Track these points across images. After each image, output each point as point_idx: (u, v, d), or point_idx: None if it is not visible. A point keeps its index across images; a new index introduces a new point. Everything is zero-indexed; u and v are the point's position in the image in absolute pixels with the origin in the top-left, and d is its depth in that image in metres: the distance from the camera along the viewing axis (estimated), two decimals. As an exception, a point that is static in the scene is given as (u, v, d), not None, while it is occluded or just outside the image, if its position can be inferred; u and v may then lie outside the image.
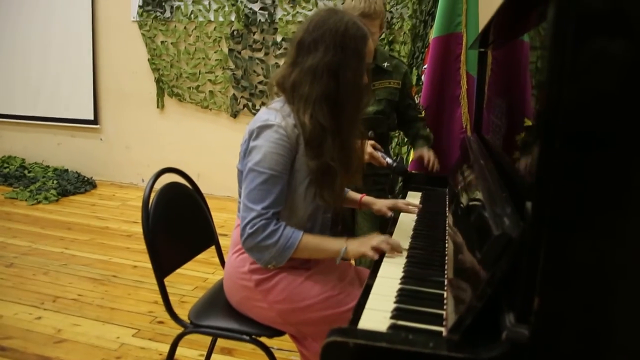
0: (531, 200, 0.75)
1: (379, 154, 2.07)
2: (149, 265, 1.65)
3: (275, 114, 1.48)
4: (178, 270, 1.81)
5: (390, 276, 1.22)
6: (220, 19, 4.77)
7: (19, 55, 5.55)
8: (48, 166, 5.65)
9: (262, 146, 1.45)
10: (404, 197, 2.13)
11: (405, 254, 1.39)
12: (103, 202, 4.85)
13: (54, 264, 3.37)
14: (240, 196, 1.54)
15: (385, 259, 1.36)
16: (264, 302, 1.55)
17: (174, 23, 4.94)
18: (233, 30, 4.75)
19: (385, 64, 2.25)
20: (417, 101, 2.36)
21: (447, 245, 1.36)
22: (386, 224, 1.81)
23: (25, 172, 5.50)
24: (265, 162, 1.44)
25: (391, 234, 1.61)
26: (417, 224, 1.66)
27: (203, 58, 4.90)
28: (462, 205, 1.31)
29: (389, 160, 2.06)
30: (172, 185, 1.82)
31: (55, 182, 5.14)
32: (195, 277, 3.18)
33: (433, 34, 2.63)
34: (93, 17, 5.21)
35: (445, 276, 1.17)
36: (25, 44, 5.51)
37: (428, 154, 2.25)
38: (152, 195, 1.72)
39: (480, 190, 1.09)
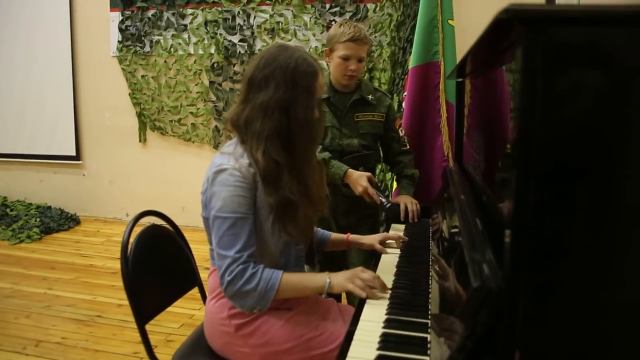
0: (508, 244, 0.74)
1: (373, 191, 2.06)
2: (134, 305, 1.62)
3: (228, 157, 1.47)
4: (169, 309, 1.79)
5: (373, 319, 1.20)
6: (200, 51, 4.78)
7: (1, 93, 5.51)
8: (31, 203, 5.58)
9: (220, 192, 1.44)
10: (387, 229, 2.11)
11: (388, 293, 1.37)
12: (87, 238, 4.79)
13: (37, 305, 3.30)
14: (210, 244, 1.52)
15: (368, 300, 1.34)
16: (245, 347, 1.52)
17: (154, 57, 4.95)
18: (213, 63, 4.76)
19: (370, 97, 2.24)
20: (401, 134, 2.34)
21: (430, 283, 1.34)
22: (379, 257, 1.79)
23: (7, 210, 5.42)
24: (227, 206, 1.42)
25: (374, 270, 1.59)
26: (400, 260, 1.65)
27: (184, 91, 4.90)
28: (443, 244, 1.30)
29: (382, 199, 2.05)
30: (151, 228, 1.79)
31: (38, 219, 5.07)
32: (182, 314, 3.12)
33: (411, 63, 2.66)
34: (73, 53, 5.20)
35: (429, 319, 1.16)
36: (6, 81, 5.48)
37: (410, 206, 2.17)
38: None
39: (460, 230, 1.08)
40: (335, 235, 1.88)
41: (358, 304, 1.33)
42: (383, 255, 1.71)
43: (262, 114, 1.45)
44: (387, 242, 1.88)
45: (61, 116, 5.33)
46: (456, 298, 0.89)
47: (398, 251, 1.80)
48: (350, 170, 2.14)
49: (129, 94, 5.09)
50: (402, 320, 1.17)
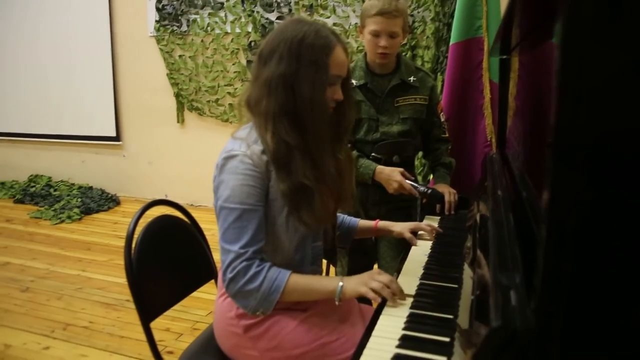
0: (541, 268, 0.56)
1: (408, 184, 1.89)
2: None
3: (240, 142, 1.33)
4: (192, 294, 1.70)
5: (387, 335, 1.04)
6: (237, 30, 4.65)
7: (42, 74, 5.56)
8: (73, 184, 5.64)
9: (229, 180, 1.30)
10: (420, 221, 1.94)
11: (409, 302, 1.20)
12: (125, 219, 4.78)
13: (69, 288, 3.29)
14: None
15: (385, 309, 1.17)
16: (254, 350, 1.39)
17: (190, 36, 4.85)
18: (250, 42, 4.63)
19: (411, 79, 2.04)
20: (442, 119, 2.13)
21: (461, 292, 1.17)
22: (408, 251, 1.62)
23: (51, 190, 5.50)
24: (235, 196, 1.29)
25: (399, 270, 1.42)
26: (429, 260, 1.47)
27: (221, 71, 4.80)
28: (476, 248, 1.12)
29: (421, 188, 1.87)
30: (161, 219, 1.67)
31: (79, 200, 5.11)
32: (210, 300, 3.04)
33: (452, 39, 2.44)
34: (111, 34, 5.17)
35: (454, 337, 0.98)
36: (48, 64, 5.52)
37: (448, 196, 1.97)
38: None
39: (491, 239, 0.90)
40: (363, 222, 1.73)
41: (374, 313, 1.17)
42: (411, 254, 1.54)
43: (267, 90, 1.30)
44: (420, 232, 1.73)
45: (101, 97, 5.33)
46: (481, 328, 0.72)
47: (429, 244, 1.63)
48: (380, 167, 1.96)
49: (167, 74, 5.02)
50: (421, 339, 1.01)
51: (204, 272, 1.78)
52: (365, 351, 0.98)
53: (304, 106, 1.29)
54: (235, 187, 1.29)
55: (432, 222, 1.87)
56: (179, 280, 1.68)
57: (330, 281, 1.30)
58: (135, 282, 1.49)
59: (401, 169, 1.94)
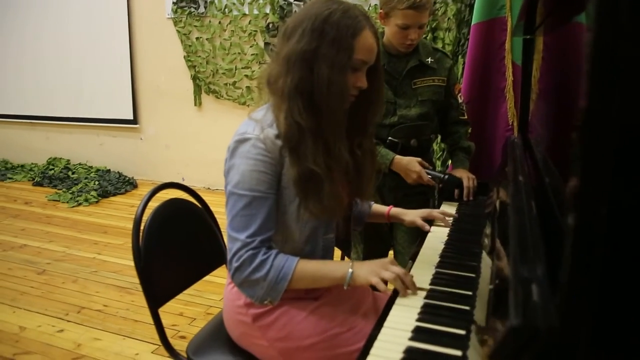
0: (568, 258, 0.50)
1: (427, 176, 1.83)
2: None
3: (254, 125, 1.26)
4: (206, 278, 1.66)
5: (399, 327, 0.98)
6: (255, 11, 4.59)
7: (61, 57, 5.57)
8: (91, 167, 5.66)
9: (239, 165, 1.24)
10: (437, 207, 1.87)
11: (423, 292, 1.15)
12: (157, 204, 4.78)
13: (85, 271, 3.29)
14: None
15: (398, 300, 1.12)
16: (263, 340, 1.34)
17: (208, 18, 4.80)
18: (268, 23, 4.56)
19: (429, 60, 1.96)
20: (460, 100, 2.06)
21: (478, 283, 1.11)
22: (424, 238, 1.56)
23: (69, 173, 5.52)
24: (245, 182, 1.23)
25: (414, 258, 1.37)
26: (446, 247, 1.41)
27: (239, 53, 4.74)
28: (495, 236, 1.05)
29: (438, 175, 1.81)
30: (171, 202, 1.63)
31: (96, 183, 5.13)
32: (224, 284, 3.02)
33: (473, 19, 2.35)
34: (129, 16, 5.14)
35: (470, 330, 0.93)
36: (65, 46, 5.52)
37: (466, 181, 1.90)
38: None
39: (511, 228, 0.83)
40: (377, 207, 1.67)
41: (386, 304, 1.11)
42: (427, 241, 1.48)
43: (285, 67, 1.23)
44: (435, 217, 1.66)
45: (119, 79, 5.32)
46: (498, 323, 0.66)
47: (446, 231, 1.57)
48: (398, 157, 1.90)
49: (184, 57, 4.98)
50: (435, 331, 0.95)
51: (214, 257, 1.74)
52: (376, 343, 0.93)
53: (320, 87, 1.22)
54: (246, 172, 1.23)
55: (450, 208, 1.81)
56: (189, 266, 1.64)
57: (340, 267, 1.25)
58: (143, 267, 1.46)
59: (419, 159, 1.87)
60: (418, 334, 0.94)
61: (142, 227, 1.51)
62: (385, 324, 0.99)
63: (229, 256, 1.25)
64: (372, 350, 0.90)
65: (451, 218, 1.68)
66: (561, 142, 1.23)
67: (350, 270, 1.22)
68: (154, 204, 1.58)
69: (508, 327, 0.54)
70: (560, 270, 0.52)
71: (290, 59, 1.22)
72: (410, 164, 1.87)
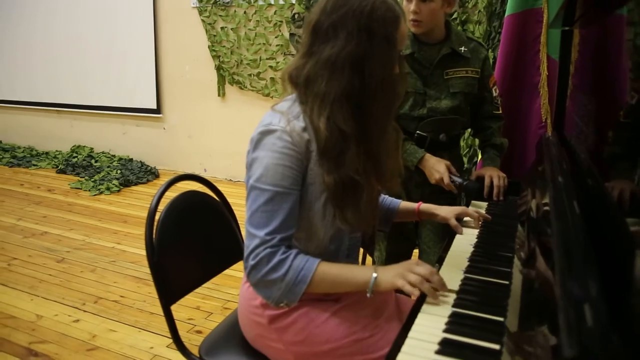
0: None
1: (449, 180, 1.74)
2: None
3: (279, 116, 1.19)
4: (225, 272, 1.61)
5: (424, 338, 0.90)
6: (281, 1, 4.51)
7: (86, 46, 5.57)
8: (114, 155, 5.67)
9: (263, 157, 1.17)
10: (467, 206, 1.78)
11: (451, 299, 1.06)
12: (175, 194, 4.76)
13: (104, 260, 3.28)
14: None
15: (424, 307, 1.04)
16: (279, 343, 1.28)
17: (233, 8, 4.74)
18: (294, 14, 4.48)
19: (462, 49, 1.86)
20: (495, 93, 1.95)
21: (511, 288, 1.02)
22: (452, 238, 1.48)
23: (92, 161, 5.54)
24: (269, 176, 1.16)
25: (441, 262, 1.28)
26: (475, 251, 1.32)
27: (264, 44, 4.68)
28: (530, 240, 0.97)
29: (457, 180, 1.73)
30: (187, 195, 1.58)
31: (118, 172, 5.12)
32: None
33: (507, 10, 2.24)
34: (154, 5, 5.11)
35: (503, 344, 0.85)
36: (92, 36, 5.52)
37: (497, 180, 1.81)
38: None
39: (555, 236, 0.75)
40: (405, 204, 1.58)
41: (411, 311, 1.04)
42: (454, 244, 1.40)
43: (329, 71, 1.15)
44: (465, 219, 1.58)
45: (143, 69, 5.30)
46: (541, 342, 0.58)
47: (475, 233, 1.48)
48: (428, 156, 1.81)
49: (209, 47, 4.94)
50: (464, 345, 0.87)
51: (231, 252, 1.67)
52: (400, 356, 0.85)
53: (373, 88, 1.15)
54: (270, 166, 1.16)
55: (479, 208, 1.72)
56: (204, 261, 1.58)
57: (364, 272, 1.17)
58: (156, 261, 1.41)
59: (448, 162, 1.79)
60: (446, 346, 0.86)
61: (156, 220, 1.45)
62: (410, 334, 0.91)
63: (245, 253, 1.18)
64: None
65: (485, 219, 1.59)
66: (600, 139, 1.14)
67: (374, 275, 1.14)
68: (171, 195, 1.52)
69: (560, 358, 0.46)
70: (623, 286, 0.44)
71: (336, 62, 1.14)
72: (437, 165, 1.78)
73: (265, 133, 1.18)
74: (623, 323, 0.43)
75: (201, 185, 1.68)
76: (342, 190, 1.17)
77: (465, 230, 1.50)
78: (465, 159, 3.48)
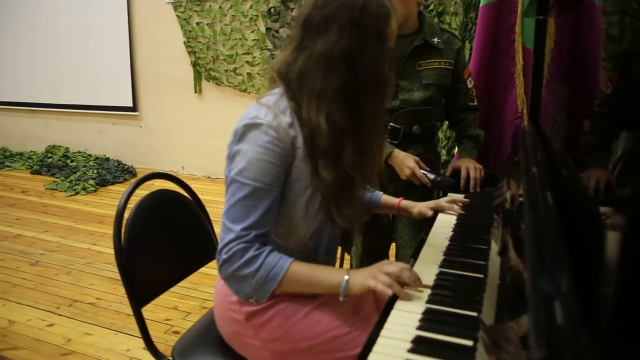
0: (619, 263, 0.39)
1: (421, 173, 1.72)
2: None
3: (266, 110, 1.16)
4: (202, 270, 1.58)
5: (397, 336, 0.88)
6: (256, -5, 4.46)
7: (60, 44, 5.46)
8: (90, 155, 5.57)
9: (247, 151, 1.14)
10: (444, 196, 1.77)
11: (426, 295, 1.04)
12: (140, 192, 4.64)
13: (79, 262, 3.21)
14: None
15: (397, 304, 1.01)
16: (256, 340, 1.25)
17: (208, 3, 4.67)
18: (270, 8, 4.43)
19: (435, 40, 1.83)
20: (470, 85, 1.94)
21: (486, 284, 1.00)
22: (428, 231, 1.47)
23: (68, 161, 5.44)
24: (251, 171, 1.13)
25: (416, 256, 1.26)
26: (451, 244, 1.30)
27: (240, 39, 4.62)
28: (505, 233, 0.94)
29: (430, 176, 1.71)
30: (158, 193, 1.53)
31: (95, 171, 5.04)
32: (222, 278, 2.92)
33: (482, 0, 2.22)
34: (128, 1, 5.02)
35: (477, 340, 0.82)
36: (64, 32, 5.41)
37: (473, 172, 1.80)
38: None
39: (526, 229, 0.72)
40: (386, 198, 1.58)
41: (385, 308, 1.01)
42: (430, 238, 1.37)
43: (324, 67, 1.12)
44: (444, 207, 1.60)
45: (118, 66, 5.21)
46: (514, 339, 0.55)
47: (450, 226, 1.46)
48: (397, 152, 1.79)
49: (184, 43, 4.87)
50: (437, 342, 0.84)
51: (204, 252, 1.63)
52: (372, 355, 0.82)
53: (365, 85, 1.14)
54: (253, 160, 1.13)
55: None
56: (176, 262, 1.54)
57: (336, 274, 1.14)
58: (125, 263, 1.37)
59: (417, 158, 1.78)
60: (419, 344, 0.84)
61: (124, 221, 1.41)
62: (383, 332, 0.88)
63: (219, 246, 1.16)
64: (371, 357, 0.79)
65: (461, 203, 1.60)
66: (575, 129, 1.12)
67: (346, 277, 1.11)
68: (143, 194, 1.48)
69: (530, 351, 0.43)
70: (595, 285, 0.42)
71: (330, 57, 1.12)
72: (406, 160, 1.76)
73: (250, 126, 1.15)
74: (593, 319, 0.40)
75: (172, 183, 1.64)
76: (339, 187, 1.16)
77: (441, 224, 1.48)
78: (444, 151, 3.47)
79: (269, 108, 1.16)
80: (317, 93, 1.13)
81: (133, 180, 4.95)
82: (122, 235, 1.39)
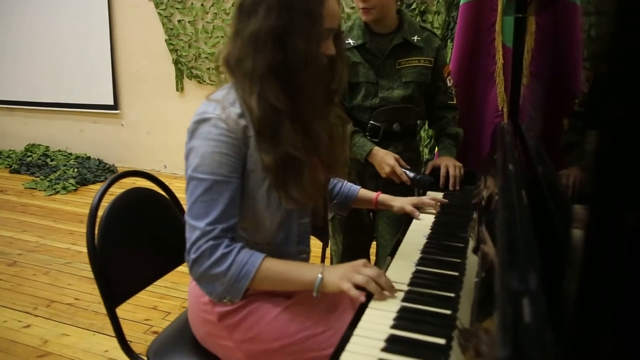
0: (579, 268, 0.38)
1: (401, 170, 1.72)
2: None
3: (214, 104, 1.15)
4: (182, 269, 1.52)
5: (371, 335, 0.87)
6: (238, -7, 4.42)
7: (39, 42, 5.37)
8: (71, 154, 5.49)
9: (199, 147, 1.13)
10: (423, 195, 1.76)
11: (401, 295, 1.03)
12: (121, 191, 4.63)
13: (58, 262, 3.16)
14: None
15: (372, 302, 1.00)
16: (229, 341, 1.23)
17: (190, 0, 4.63)
18: (252, 5, 4.39)
19: (415, 38, 1.83)
20: (449, 84, 1.94)
21: (462, 282, 0.99)
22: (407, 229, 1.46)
23: (48, 160, 5.36)
24: (206, 165, 1.12)
25: (393, 254, 1.25)
26: (429, 242, 1.29)
27: (222, 37, 4.58)
28: (482, 230, 0.94)
29: (410, 174, 1.71)
30: (132, 192, 1.51)
31: (75, 170, 4.97)
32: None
33: (462, -1, 2.22)
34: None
35: (451, 338, 0.81)
36: (44, 31, 5.32)
37: (452, 170, 1.80)
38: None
39: (499, 226, 0.71)
40: (364, 192, 1.58)
41: (360, 306, 1.00)
42: (407, 236, 1.36)
43: (253, 47, 1.11)
44: (426, 204, 1.59)
45: (99, 64, 5.14)
46: (484, 337, 0.54)
47: (429, 224, 1.45)
48: (376, 149, 1.79)
49: (166, 40, 4.81)
50: (411, 341, 0.83)
51: (181, 250, 1.59)
52: (344, 355, 0.81)
53: (297, 64, 1.11)
54: (206, 154, 1.12)
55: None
56: (151, 261, 1.52)
57: (310, 270, 1.13)
58: (99, 263, 1.34)
59: (396, 155, 1.77)
60: (392, 344, 0.83)
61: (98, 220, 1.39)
62: (357, 331, 0.87)
63: (187, 246, 1.14)
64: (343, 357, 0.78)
65: (443, 203, 1.60)
66: (554, 128, 1.12)
67: (320, 275, 1.10)
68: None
69: (493, 357, 0.42)
70: (562, 282, 0.41)
71: (258, 37, 1.10)
72: (386, 157, 1.76)
73: (200, 122, 1.14)
74: (561, 319, 0.40)
75: (144, 180, 1.61)
76: (282, 168, 1.14)
77: (420, 222, 1.47)
78: (426, 150, 3.47)
79: (218, 102, 1.16)
80: (249, 74, 1.12)
81: (119, 181, 4.88)
82: (96, 234, 1.37)
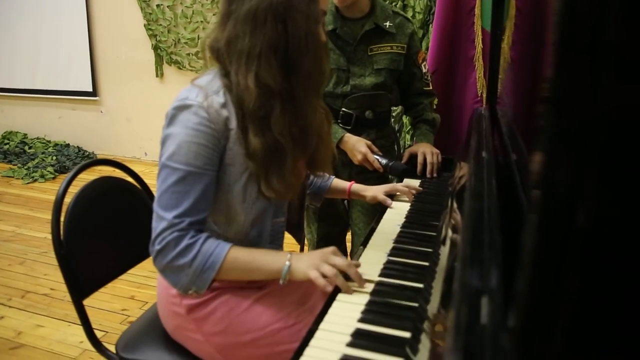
0: (527, 278, 0.36)
1: (374, 157, 1.69)
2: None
3: (197, 91, 1.10)
4: None
5: (337, 329, 0.84)
6: (218, -24, 4.34)
7: (16, 27, 5.23)
8: (49, 141, 5.39)
9: (177, 134, 1.09)
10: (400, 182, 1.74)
11: (370, 287, 1.00)
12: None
13: (34, 252, 3.10)
14: None
15: (340, 295, 0.97)
16: (198, 334, 1.20)
17: (169, -17, 4.54)
18: (232, -10, 4.32)
19: (387, 24, 1.78)
20: (424, 70, 1.90)
21: (435, 272, 0.97)
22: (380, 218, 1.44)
23: (26, 147, 5.25)
24: (181, 155, 1.08)
25: (365, 244, 1.22)
26: (402, 231, 1.27)
27: (201, 21, 4.50)
28: (456, 222, 0.91)
29: (383, 161, 1.68)
30: (100, 181, 1.47)
31: (54, 158, 4.88)
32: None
33: (441, -17, 2.18)
34: (85, -19, 4.84)
35: (419, 330, 0.79)
36: (20, 14, 5.19)
37: (430, 157, 1.78)
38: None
39: (465, 217, 0.69)
40: (337, 182, 1.55)
41: (327, 299, 0.97)
42: (381, 225, 1.34)
43: (251, 25, 1.06)
44: (397, 195, 1.57)
45: (76, 49, 5.03)
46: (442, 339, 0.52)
47: (404, 212, 1.43)
48: (348, 136, 1.76)
49: (145, 25, 4.72)
50: (376, 335, 0.81)
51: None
52: (307, 350, 0.78)
53: (298, 40, 1.07)
54: (183, 143, 1.08)
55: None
56: (121, 251, 1.48)
57: (277, 259, 1.10)
58: (64, 254, 1.30)
59: (368, 142, 1.74)
60: (357, 338, 0.80)
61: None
62: (322, 325, 0.85)
63: (152, 237, 1.10)
64: (302, 359, 0.75)
65: (416, 191, 1.57)
66: (527, 114, 1.10)
67: (287, 263, 1.07)
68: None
69: (446, 355, 0.40)
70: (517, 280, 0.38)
71: (257, 15, 1.06)
72: (357, 145, 1.73)
73: (180, 108, 1.10)
74: (517, 324, 0.37)
75: (114, 168, 1.57)
76: (267, 154, 1.10)
77: (395, 211, 1.45)
78: (407, 136, 3.44)
79: (201, 88, 1.11)
80: (246, 52, 1.07)
81: (94, 167, 4.82)
82: (62, 224, 1.33)
